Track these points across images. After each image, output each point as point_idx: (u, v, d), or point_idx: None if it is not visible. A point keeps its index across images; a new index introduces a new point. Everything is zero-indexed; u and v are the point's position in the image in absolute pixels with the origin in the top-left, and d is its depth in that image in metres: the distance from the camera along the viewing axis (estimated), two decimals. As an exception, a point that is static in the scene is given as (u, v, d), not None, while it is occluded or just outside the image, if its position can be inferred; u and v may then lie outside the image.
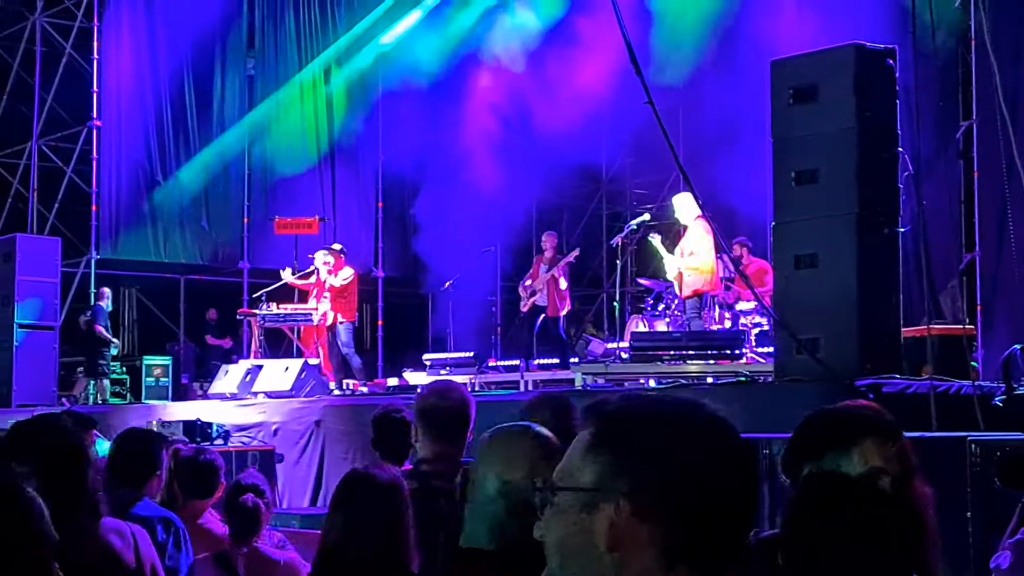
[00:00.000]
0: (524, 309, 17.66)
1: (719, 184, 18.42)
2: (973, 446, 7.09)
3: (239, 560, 5.80)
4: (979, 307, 15.87)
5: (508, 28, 21.54)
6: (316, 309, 17.47)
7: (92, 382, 19.35)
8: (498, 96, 21.51)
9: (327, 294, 17.55)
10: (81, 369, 20.12)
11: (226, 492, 6.16)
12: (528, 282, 17.55)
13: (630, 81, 10.05)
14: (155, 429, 12.09)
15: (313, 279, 17.84)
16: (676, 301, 15.35)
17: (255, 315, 17.92)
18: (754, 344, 14.35)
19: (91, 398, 18.93)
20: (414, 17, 22.48)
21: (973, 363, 11.77)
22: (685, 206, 14.80)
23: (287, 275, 18.12)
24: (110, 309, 19.90)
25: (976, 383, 8.90)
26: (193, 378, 21.11)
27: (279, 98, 22.68)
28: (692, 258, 14.53)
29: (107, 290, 19.82)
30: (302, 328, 17.96)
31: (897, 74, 9.66)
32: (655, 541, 1.83)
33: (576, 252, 17.77)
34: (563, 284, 17.17)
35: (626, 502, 1.84)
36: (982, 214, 16.12)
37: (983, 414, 8.16)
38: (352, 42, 22.98)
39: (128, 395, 19.64)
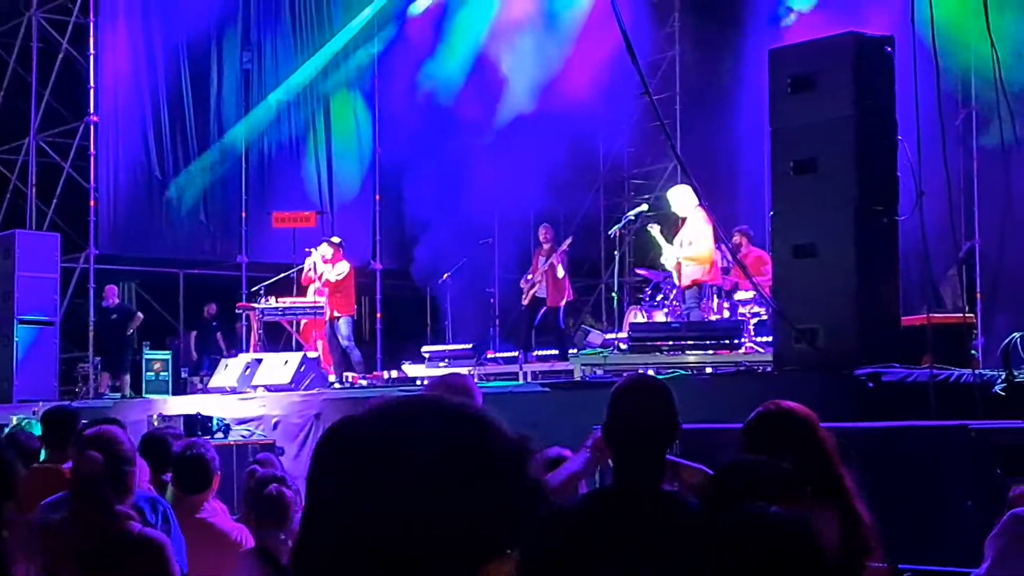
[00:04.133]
0: (525, 303, 17.68)
1: (717, 172, 18.46)
2: (973, 434, 7.09)
3: (282, 550, 5.66)
4: (979, 295, 15.90)
5: (505, 21, 21.53)
6: (318, 303, 17.51)
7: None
8: (495, 89, 21.50)
9: (324, 288, 17.58)
10: (84, 366, 20.11)
11: (248, 485, 6.04)
12: (529, 276, 17.61)
13: (627, 71, 10.04)
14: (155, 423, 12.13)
15: (313, 274, 17.87)
16: (675, 291, 15.33)
17: (254, 309, 17.93)
18: (753, 334, 14.33)
19: (126, 393, 19.22)
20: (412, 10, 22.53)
21: (973, 351, 11.78)
22: (681, 198, 14.77)
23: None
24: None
25: (976, 371, 8.90)
26: (192, 372, 21.11)
27: (276, 92, 22.65)
28: (691, 248, 14.50)
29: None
30: (302, 322, 17.97)
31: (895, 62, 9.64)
32: None
33: (569, 240, 17.80)
34: (560, 273, 17.19)
35: None
36: (982, 202, 16.15)
37: (983, 402, 8.16)
38: (349, 37, 22.95)
39: (128, 390, 19.66)
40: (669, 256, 14.92)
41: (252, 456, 11.51)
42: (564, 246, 17.40)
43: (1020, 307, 15.11)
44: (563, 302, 17.40)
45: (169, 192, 21.64)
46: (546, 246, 17.52)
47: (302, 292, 18.10)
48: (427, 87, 22.11)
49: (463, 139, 21.38)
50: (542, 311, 17.33)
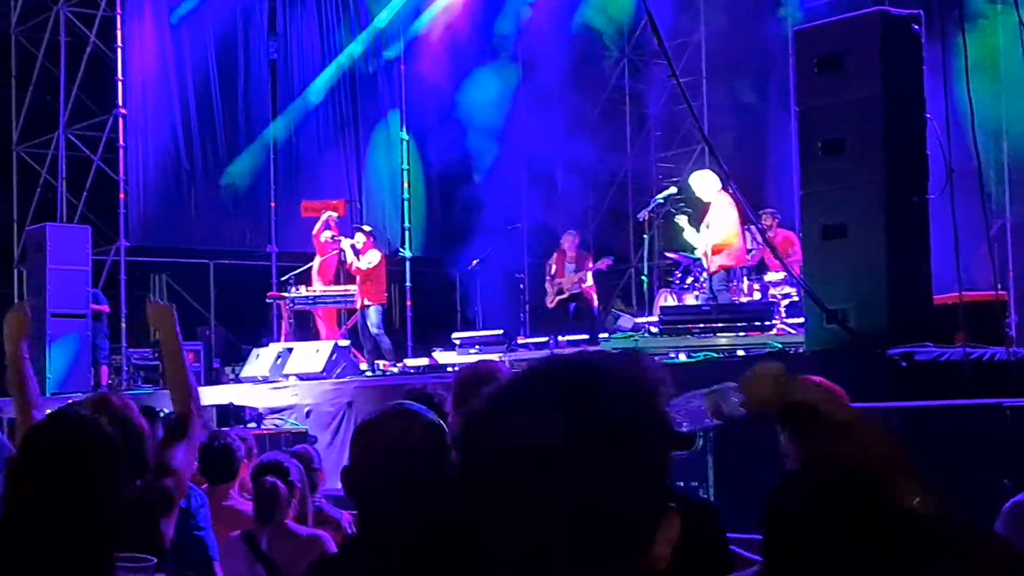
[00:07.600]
0: (550, 305, 17.70)
1: (745, 154, 18.39)
2: (1008, 412, 7.07)
3: (263, 538, 5.96)
4: (1011, 272, 15.80)
5: (535, 13, 21.54)
6: (348, 291, 17.60)
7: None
8: (522, 73, 21.50)
9: (355, 276, 17.65)
10: (116, 357, 20.06)
11: (251, 473, 6.32)
12: (553, 276, 17.60)
13: (654, 53, 10.02)
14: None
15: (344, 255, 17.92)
16: (704, 274, 15.31)
17: (284, 298, 17.97)
18: (784, 315, 14.29)
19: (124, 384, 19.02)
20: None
21: (1007, 329, 11.72)
22: (704, 183, 14.73)
23: (316, 264, 18.22)
24: None
25: (1010, 349, 8.86)
26: (224, 362, 21.14)
27: (305, 81, 22.68)
28: (715, 232, 14.45)
29: None
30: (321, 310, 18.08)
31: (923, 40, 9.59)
32: None
33: (609, 261, 17.79)
34: (589, 281, 17.32)
35: None
36: (1012, 179, 16.04)
37: (1018, 380, 8.12)
38: (377, 23, 22.97)
39: (160, 380, 19.66)
40: (698, 245, 14.90)
41: (285, 445, 11.58)
42: (601, 266, 17.49)
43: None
44: (595, 298, 17.58)
45: (224, 179, 21.72)
46: (570, 253, 17.50)
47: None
48: (456, 74, 22.10)
49: (491, 124, 21.34)
50: (573, 306, 17.43)
